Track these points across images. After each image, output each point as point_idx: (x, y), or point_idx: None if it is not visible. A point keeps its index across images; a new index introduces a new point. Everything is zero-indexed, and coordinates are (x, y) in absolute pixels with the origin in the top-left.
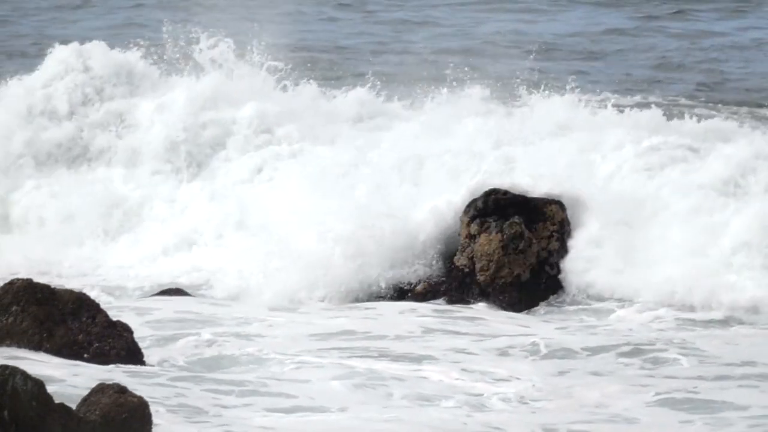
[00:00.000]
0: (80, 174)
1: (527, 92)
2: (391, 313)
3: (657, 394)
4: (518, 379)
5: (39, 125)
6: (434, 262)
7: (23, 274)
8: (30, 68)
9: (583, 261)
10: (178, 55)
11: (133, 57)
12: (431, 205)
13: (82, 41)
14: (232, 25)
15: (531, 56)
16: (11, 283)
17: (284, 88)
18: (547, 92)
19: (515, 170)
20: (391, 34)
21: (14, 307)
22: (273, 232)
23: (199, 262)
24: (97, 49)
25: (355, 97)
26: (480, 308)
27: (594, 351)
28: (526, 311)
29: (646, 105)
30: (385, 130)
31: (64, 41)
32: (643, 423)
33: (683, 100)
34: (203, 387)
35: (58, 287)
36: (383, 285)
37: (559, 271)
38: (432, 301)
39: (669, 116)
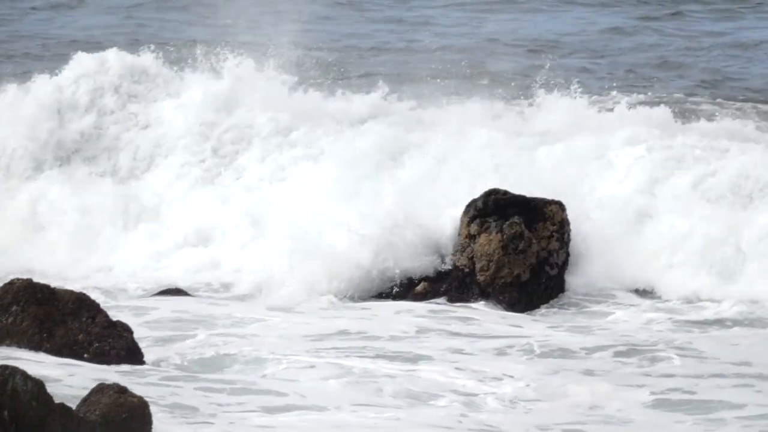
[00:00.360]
0: (99, 171)
1: (538, 91)
2: (387, 314)
3: (652, 394)
4: (513, 378)
5: (58, 125)
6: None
7: (37, 276)
8: (33, 69)
9: (583, 261)
10: (206, 71)
11: (149, 59)
12: (450, 212)
13: (87, 42)
14: (233, 25)
15: (536, 55)
16: (11, 283)
17: (298, 92)
18: (558, 92)
19: (523, 176)
20: (392, 33)
21: (14, 307)
22: (296, 229)
23: (219, 258)
24: (116, 54)
25: (371, 99)
26: (477, 308)
27: (590, 351)
28: (525, 311)
29: (655, 103)
30: (401, 132)
31: (67, 41)
32: (638, 423)
33: (688, 99)
34: (201, 387)
35: (58, 287)
36: (399, 282)
37: (559, 271)
38: (432, 301)
39: (677, 114)
